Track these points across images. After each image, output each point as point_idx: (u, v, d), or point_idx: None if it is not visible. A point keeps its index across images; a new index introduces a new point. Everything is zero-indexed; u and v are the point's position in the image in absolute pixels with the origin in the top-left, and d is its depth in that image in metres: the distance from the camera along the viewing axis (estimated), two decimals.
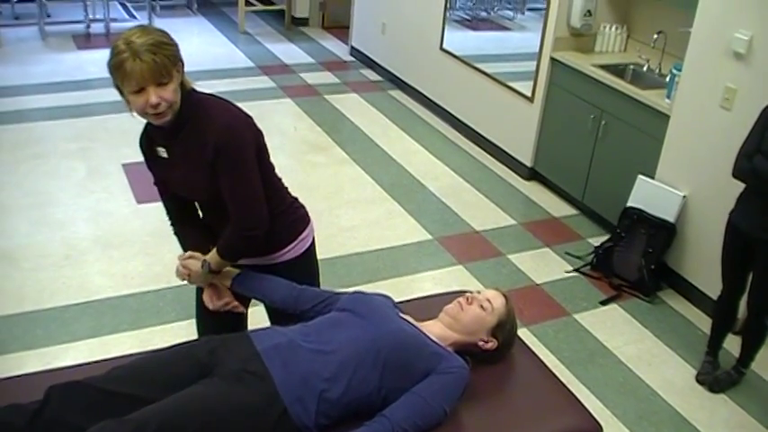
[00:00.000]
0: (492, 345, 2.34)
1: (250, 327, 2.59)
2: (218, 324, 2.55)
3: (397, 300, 2.47)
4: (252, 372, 2.01)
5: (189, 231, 2.60)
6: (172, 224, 2.63)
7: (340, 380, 2.04)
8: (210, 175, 2.31)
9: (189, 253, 2.52)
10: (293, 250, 2.56)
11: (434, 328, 2.31)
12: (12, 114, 6.05)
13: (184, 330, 3.71)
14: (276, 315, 2.60)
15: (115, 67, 2.12)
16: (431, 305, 2.48)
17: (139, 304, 3.93)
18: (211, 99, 2.35)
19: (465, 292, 2.47)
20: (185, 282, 2.58)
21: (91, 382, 2.01)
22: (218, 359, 2.09)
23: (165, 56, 2.14)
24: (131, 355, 2.26)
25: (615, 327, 4.02)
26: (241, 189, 2.33)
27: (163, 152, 2.38)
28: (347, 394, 2.04)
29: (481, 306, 2.33)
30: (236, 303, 2.54)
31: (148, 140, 2.42)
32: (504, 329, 2.37)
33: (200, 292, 2.67)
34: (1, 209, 4.69)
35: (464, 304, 2.34)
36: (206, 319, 2.67)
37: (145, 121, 2.35)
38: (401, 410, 2.04)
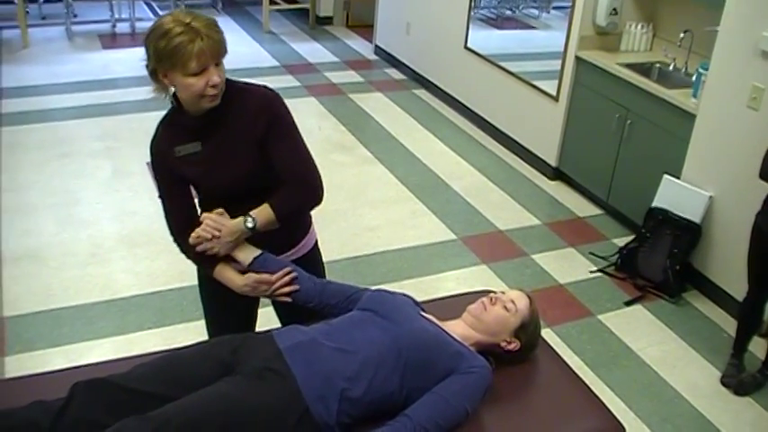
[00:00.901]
0: (515, 346, 2.32)
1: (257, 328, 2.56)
2: (229, 326, 2.52)
3: (420, 299, 2.46)
4: (274, 370, 2.01)
5: None
6: (179, 237, 2.45)
7: (362, 379, 2.04)
8: (258, 155, 2.30)
9: (220, 210, 2.32)
10: (308, 243, 2.57)
11: (457, 328, 2.30)
12: (38, 114, 6.11)
13: None
14: (287, 315, 2.60)
15: (175, 49, 2.08)
16: (454, 305, 2.47)
17: (163, 302, 3.96)
18: (235, 80, 2.33)
19: (489, 291, 2.46)
20: (200, 246, 2.34)
21: (114, 379, 2.02)
22: (240, 358, 2.10)
23: (222, 35, 2.16)
24: (155, 353, 2.27)
25: (639, 328, 3.99)
26: (300, 151, 2.35)
27: (194, 147, 2.29)
28: (369, 393, 2.04)
29: (505, 307, 2.31)
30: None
31: (168, 141, 2.33)
32: (528, 331, 2.35)
33: (208, 292, 2.67)
34: (28, 208, 4.74)
35: (488, 305, 2.32)
36: (218, 321, 2.70)
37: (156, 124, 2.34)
38: (423, 410, 2.03)
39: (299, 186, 2.34)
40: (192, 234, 2.31)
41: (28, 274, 4.09)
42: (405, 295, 2.39)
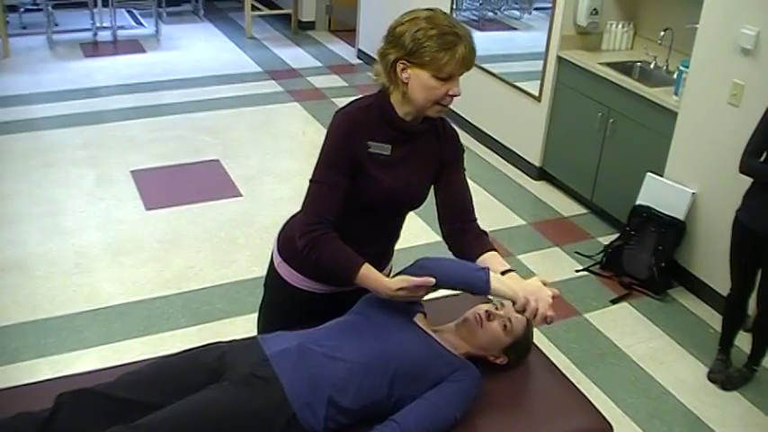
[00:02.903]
0: (501, 361, 2.31)
1: (245, 334, 2.49)
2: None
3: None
4: (261, 376, 2.01)
5: (343, 243, 2.18)
6: (317, 229, 2.15)
7: (349, 386, 2.03)
8: (432, 177, 2.29)
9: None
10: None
11: (449, 336, 2.28)
12: (22, 123, 6.09)
13: (195, 336, 3.73)
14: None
15: (438, 47, 2.01)
16: (455, 305, 2.46)
17: (149, 311, 3.95)
18: None
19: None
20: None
21: (100, 389, 2.01)
22: (227, 364, 2.08)
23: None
24: (141, 361, 2.26)
25: (626, 326, 4.01)
26: (470, 189, 2.34)
27: (385, 148, 2.17)
28: (357, 401, 2.03)
29: (504, 325, 2.25)
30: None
31: (365, 130, 2.17)
32: (518, 350, 2.32)
33: (293, 303, 2.44)
34: (12, 218, 4.72)
35: (484, 320, 2.25)
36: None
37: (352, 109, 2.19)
38: (412, 416, 2.03)
39: (473, 218, 2.33)
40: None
41: (13, 285, 4.07)
42: None
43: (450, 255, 2.32)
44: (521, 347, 2.34)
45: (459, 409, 2.09)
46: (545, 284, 2.13)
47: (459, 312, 2.33)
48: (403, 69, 2.08)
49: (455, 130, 2.35)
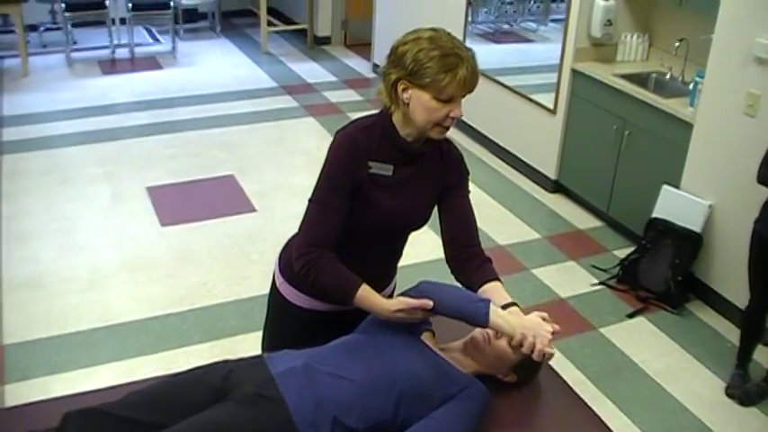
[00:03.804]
0: (510, 379, 2.27)
1: (257, 351, 2.48)
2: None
3: None
4: (266, 396, 1.98)
5: (341, 265, 2.17)
6: (315, 251, 2.15)
7: (354, 406, 2.00)
8: (436, 201, 2.27)
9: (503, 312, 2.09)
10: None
11: (457, 354, 2.25)
12: (39, 141, 6.13)
13: (207, 352, 3.72)
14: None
15: (438, 68, 1.98)
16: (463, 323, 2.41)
17: (163, 327, 3.95)
18: None
19: None
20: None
21: (106, 408, 1.99)
22: (232, 384, 2.06)
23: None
24: (148, 379, 2.25)
25: (642, 340, 3.96)
26: (474, 214, 2.31)
27: (386, 169, 2.15)
28: (362, 421, 2.00)
29: (509, 343, 2.17)
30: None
31: (366, 151, 2.14)
32: (526, 368, 2.28)
33: (296, 322, 2.42)
34: (28, 235, 4.75)
35: (492, 338, 2.22)
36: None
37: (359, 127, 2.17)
38: None
39: (471, 249, 2.29)
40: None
41: (27, 302, 4.09)
42: None
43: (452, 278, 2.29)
44: (530, 365, 2.29)
45: (466, 429, 2.05)
46: (545, 320, 2.11)
47: (468, 330, 2.30)
48: (404, 90, 2.06)
49: (460, 153, 2.31)
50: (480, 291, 2.17)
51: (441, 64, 1.99)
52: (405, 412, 2.04)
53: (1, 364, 3.62)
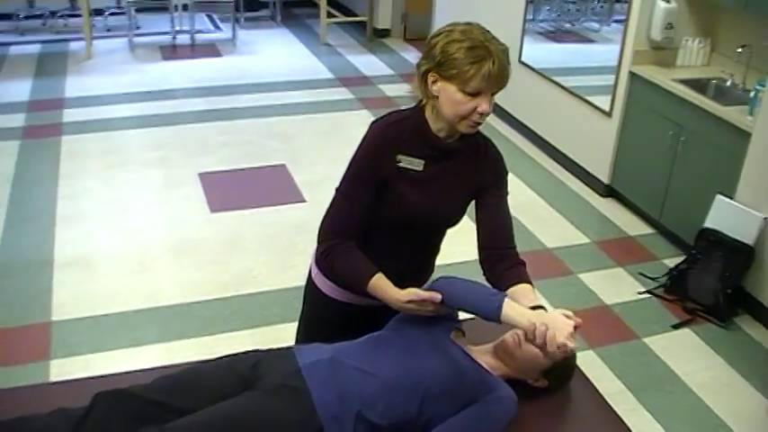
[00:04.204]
0: (541, 384, 2.25)
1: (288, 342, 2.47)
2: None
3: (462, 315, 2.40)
4: (291, 387, 2.00)
5: (360, 253, 2.20)
6: (335, 238, 2.21)
7: (379, 402, 2.00)
8: (469, 201, 2.25)
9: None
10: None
11: (487, 357, 2.23)
12: (98, 123, 6.26)
13: (247, 339, 3.76)
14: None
15: (464, 60, 1.96)
16: (494, 326, 2.37)
17: (206, 312, 3.99)
18: None
19: None
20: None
21: (136, 390, 2.03)
22: (260, 373, 2.08)
23: (510, 66, 2.04)
24: (180, 364, 2.28)
25: (686, 352, 3.88)
26: (509, 215, 2.26)
27: (417, 164, 2.14)
28: (385, 417, 2.00)
29: (540, 347, 2.14)
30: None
31: (395, 144, 2.14)
32: (558, 372, 2.24)
33: (328, 315, 2.44)
34: (81, 215, 4.85)
35: (522, 341, 2.18)
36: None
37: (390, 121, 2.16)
38: None
39: (506, 250, 2.23)
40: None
41: (76, 281, 4.18)
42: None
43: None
44: (561, 371, 2.26)
45: None
46: (569, 318, 2.00)
47: (499, 334, 2.28)
48: (434, 82, 2.05)
49: (498, 153, 2.28)
50: (508, 293, 2.11)
51: (467, 56, 1.97)
52: (429, 411, 2.03)
53: (48, 340, 3.71)
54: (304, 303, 2.56)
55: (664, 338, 3.97)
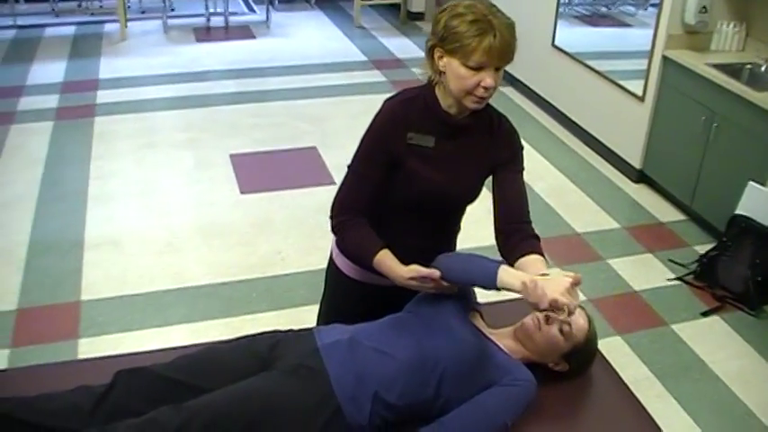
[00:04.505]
0: (562, 368, 2.24)
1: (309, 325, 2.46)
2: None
3: (483, 301, 2.40)
4: (309, 367, 2.01)
5: (369, 228, 2.23)
6: (345, 214, 2.24)
7: (396, 383, 2.01)
8: (485, 177, 2.25)
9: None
10: None
11: (507, 340, 2.23)
12: (131, 104, 6.32)
13: (273, 320, 3.78)
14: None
15: (465, 34, 1.96)
16: (515, 310, 2.35)
17: (232, 293, 4.02)
18: None
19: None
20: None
21: (155, 369, 2.06)
22: (278, 353, 2.10)
23: (516, 41, 2.02)
24: (199, 344, 2.31)
25: (715, 340, 3.83)
26: (524, 192, 2.25)
27: (427, 140, 2.15)
28: (403, 398, 2.01)
29: (561, 330, 2.17)
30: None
31: (405, 122, 2.15)
32: (578, 356, 2.23)
33: (349, 296, 2.47)
34: (112, 195, 4.91)
35: (542, 324, 2.19)
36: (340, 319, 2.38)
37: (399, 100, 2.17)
38: (459, 419, 2.00)
39: (520, 225, 2.21)
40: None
41: (106, 261, 4.23)
42: (456, 295, 2.32)
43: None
44: (582, 354, 2.25)
45: (509, 416, 2.04)
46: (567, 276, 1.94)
47: (519, 318, 2.27)
48: (440, 57, 2.05)
49: (513, 128, 2.26)
50: (516, 264, 2.07)
51: (469, 29, 1.96)
52: (447, 392, 2.04)
53: (77, 319, 3.76)
54: (326, 284, 2.57)
55: (692, 326, 3.92)
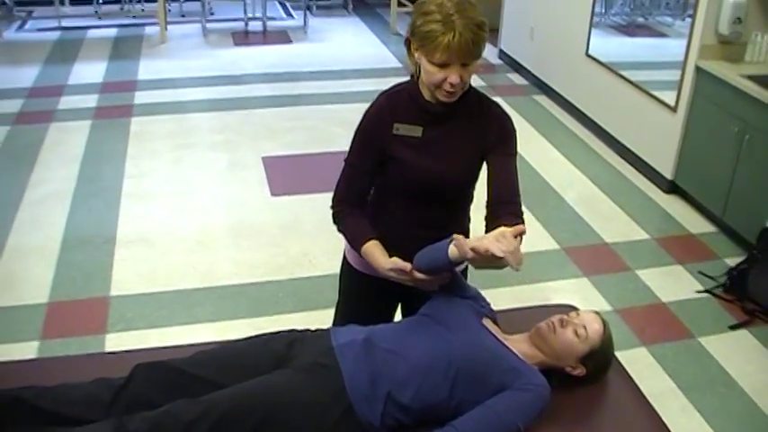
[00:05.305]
0: (579, 372, 2.24)
1: None
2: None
3: (510, 308, 2.41)
4: (323, 365, 2.05)
5: (363, 219, 2.35)
6: (340, 205, 2.37)
7: (409, 385, 2.03)
8: (476, 162, 2.29)
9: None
10: None
11: (522, 345, 2.24)
12: (168, 106, 6.42)
13: (299, 321, 3.75)
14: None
15: (426, 34, 2.02)
16: (530, 317, 2.38)
17: (260, 293, 4.07)
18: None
19: (566, 307, 2.38)
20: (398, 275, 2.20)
21: (173, 363, 2.10)
22: (295, 351, 2.14)
23: (482, 39, 2.06)
24: (218, 342, 2.35)
25: (742, 354, 3.78)
26: (515, 176, 2.28)
27: (414, 130, 2.22)
28: (416, 400, 2.03)
29: (576, 332, 2.20)
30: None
31: (390, 114, 2.23)
32: (595, 359, 2.24)
33: (356, 287, 2.57)
34: (146, 194, 4.99)
35: (557, 327, 2.21)
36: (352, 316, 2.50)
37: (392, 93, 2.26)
38: (472, 423, 2.00)
39: (506, 205, 2.23)
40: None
41: (137, 258, 4.30)
42: (470, 300, 2.34)
43: None
44: (599, 358, 2.25)
45: (522, 420, 2.04)
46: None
47: (532, 324, 2.29)
48: (415, 50, 2.11)
49: (503, 112, 2.29)
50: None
51: (432, 28, 2.01)
52: (460, 395, 2.06)
53: (106, 314, 3.83)
54: (340, 280, 2.65)
55: (719, 339, 3.88)
